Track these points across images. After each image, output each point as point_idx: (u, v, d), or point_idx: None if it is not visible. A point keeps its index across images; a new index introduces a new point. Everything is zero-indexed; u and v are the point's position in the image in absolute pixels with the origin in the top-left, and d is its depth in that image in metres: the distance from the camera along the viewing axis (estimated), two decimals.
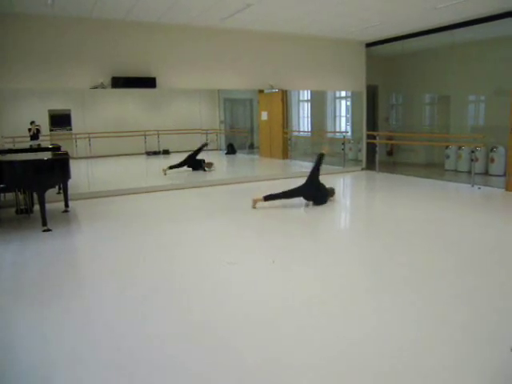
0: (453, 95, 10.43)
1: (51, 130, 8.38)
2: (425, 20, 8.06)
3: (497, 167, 8.99)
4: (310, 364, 2.38)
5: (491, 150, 9.09)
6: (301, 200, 6.27)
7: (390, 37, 9.51)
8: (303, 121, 11.65)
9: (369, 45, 10.12)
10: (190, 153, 9.54)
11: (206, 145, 9.78)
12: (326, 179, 9.23)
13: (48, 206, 5.47)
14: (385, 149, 11.42)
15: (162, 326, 2.85)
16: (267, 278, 3.69)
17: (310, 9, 7.05)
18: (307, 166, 10.81)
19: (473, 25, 7.93)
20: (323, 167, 10.40)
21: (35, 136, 7.81)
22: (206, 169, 9.58)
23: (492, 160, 9.10)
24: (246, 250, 4.51)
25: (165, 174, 9.16)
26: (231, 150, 11.25)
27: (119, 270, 3.98)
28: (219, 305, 3.17)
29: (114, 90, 7.73)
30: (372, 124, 11.23)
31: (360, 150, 10.86)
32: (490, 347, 2.51)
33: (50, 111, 8.35)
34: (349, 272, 3.84)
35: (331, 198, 6.33)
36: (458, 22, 8.08)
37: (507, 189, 7.39)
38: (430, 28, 8.63)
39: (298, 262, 4.07)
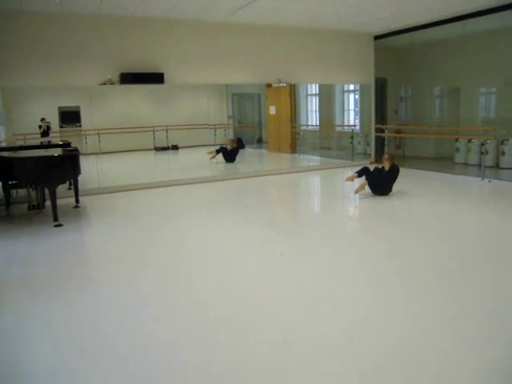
0: (463, 87, 10.32)
1: (61, 127, 8.46)
2: (433, 11, 7.97)
3: (508, 160, 8.88)
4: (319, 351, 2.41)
5: (502, 143, 8.97)
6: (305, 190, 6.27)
7: (398, 29, 9.42)
8: (311, 115, 11.61)
9: (377, 37, 10.04)
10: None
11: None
12: (334, 173, 9.29)
13: (59, 201, 5.55)
14: (393, 142, 11.35)
15: (175, 319, 2.90)
16: (275, 269, 3.72)
17: (317, 1, 7.01)
18: (315, 160, 10.85)
19: (482, 16, 7.81)
20: (332, 161, 10.50)
21: (46, 133, 7.90)
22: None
23: (503, 153, 8.99)
24: (254, 242, 4.54)
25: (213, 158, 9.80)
26: (239, 144, 11.26)
27: (129, 263, 4.03)
28: (228, 295, 3.20)
29: (123, 86, 7.78)
30: (381, 117, 11.16)
31: (368, 144, 10.81)
32: (486, 345, 2.52)
33: (59, 108, 8.43)
34: (352, 265, 3.86)
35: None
36: (466, 12, 7.98)
37: None
38: (439, 19, 8.53)
39: (302, 254, 4.09)
